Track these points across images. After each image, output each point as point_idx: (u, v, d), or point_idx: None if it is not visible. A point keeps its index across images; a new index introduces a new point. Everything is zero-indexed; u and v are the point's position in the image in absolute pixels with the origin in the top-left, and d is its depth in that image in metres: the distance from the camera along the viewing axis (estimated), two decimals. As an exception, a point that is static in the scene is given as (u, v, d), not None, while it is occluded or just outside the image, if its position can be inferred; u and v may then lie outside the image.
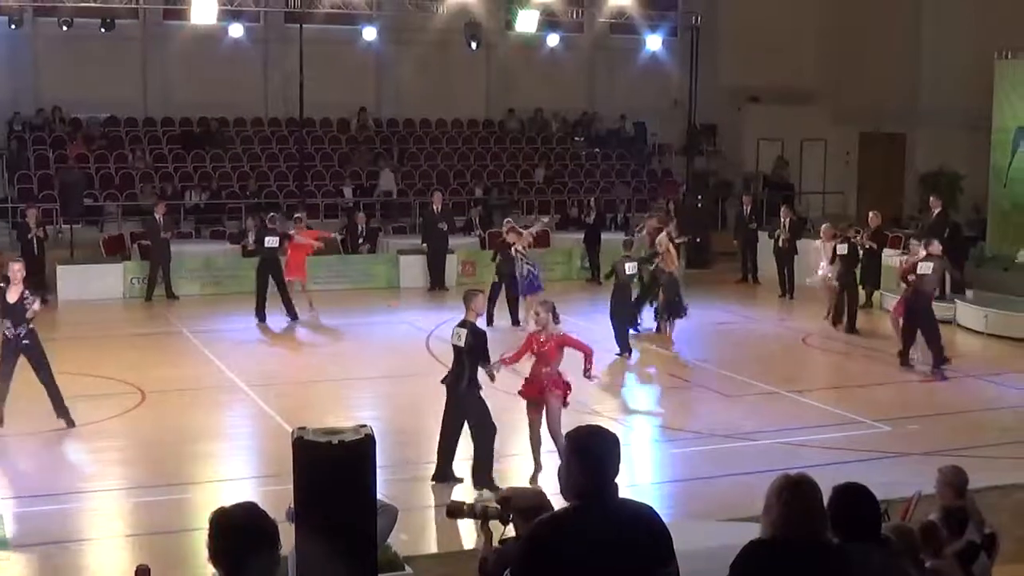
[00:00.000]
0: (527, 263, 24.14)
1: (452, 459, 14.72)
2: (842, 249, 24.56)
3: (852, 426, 17.28)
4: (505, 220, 26.40)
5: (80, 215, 30.34)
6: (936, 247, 20.73)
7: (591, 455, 5.79)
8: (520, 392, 14.99)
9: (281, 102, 34.77)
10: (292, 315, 24.67)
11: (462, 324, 14.50)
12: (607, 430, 5.96)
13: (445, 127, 37.77)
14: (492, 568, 7.80)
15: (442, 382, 14.84)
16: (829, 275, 24.71)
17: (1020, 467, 13.75)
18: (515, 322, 24.07)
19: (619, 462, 5.80)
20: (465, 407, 14.53)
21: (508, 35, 36.67)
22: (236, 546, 5.24)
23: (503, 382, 14.96)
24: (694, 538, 9.22)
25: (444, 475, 14.67)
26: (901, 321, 21.14)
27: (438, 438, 14.76)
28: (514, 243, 24.26)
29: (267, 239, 25.05)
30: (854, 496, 6.69)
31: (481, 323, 15.04)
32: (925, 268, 20.21)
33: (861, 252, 25.59)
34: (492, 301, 23.38)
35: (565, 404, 14.78)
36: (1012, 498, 12.55)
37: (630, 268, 22.37)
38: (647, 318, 23.91)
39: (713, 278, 30.32)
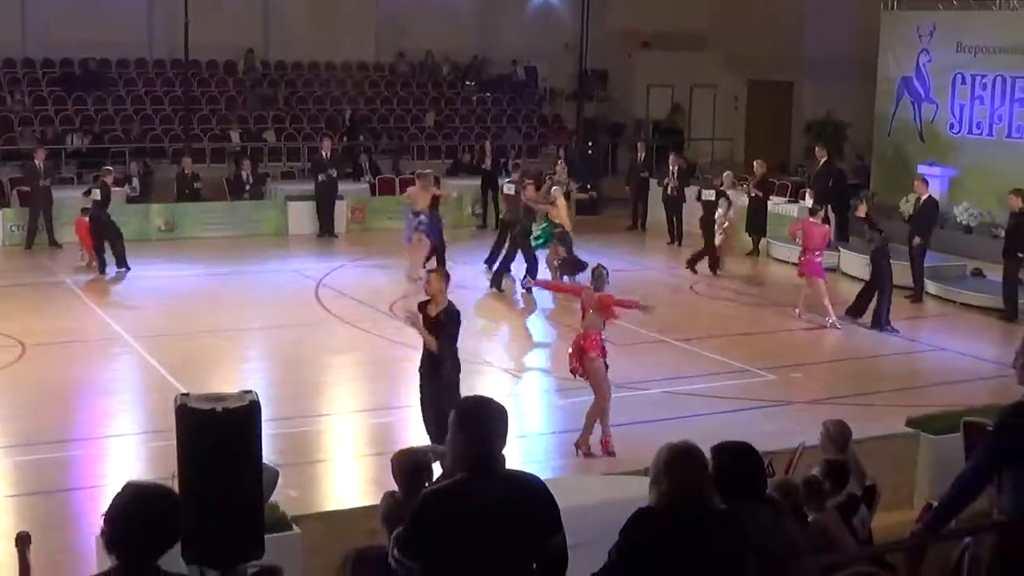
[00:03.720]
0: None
1: None
2: (708, 195, 24.90)
3: (738, 375, 17.50)
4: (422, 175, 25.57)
5: (-44, 160, 29.66)
6: (808, 202, 21.07)
7: (476, 427, 5.79)
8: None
9: (166, 43, 34.15)
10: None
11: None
12: (493, 401, 5.95)
13: (334, 70, 37.38)
14: (384, 520, 7.85)
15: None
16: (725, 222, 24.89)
17: (899, 415, 13.95)
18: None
19: (506, 433, 5.81)
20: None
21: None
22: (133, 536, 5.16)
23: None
24: (580, 494, 9.30)
25: None
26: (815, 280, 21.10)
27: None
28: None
29: (94, 192, 24.72)
30: (737, 456, 6.76)
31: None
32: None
33: (747, 200, 25.88)
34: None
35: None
36: (891, 447, 12.76)
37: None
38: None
39: (602, 225, 30.38)
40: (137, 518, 5.15)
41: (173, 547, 5.33)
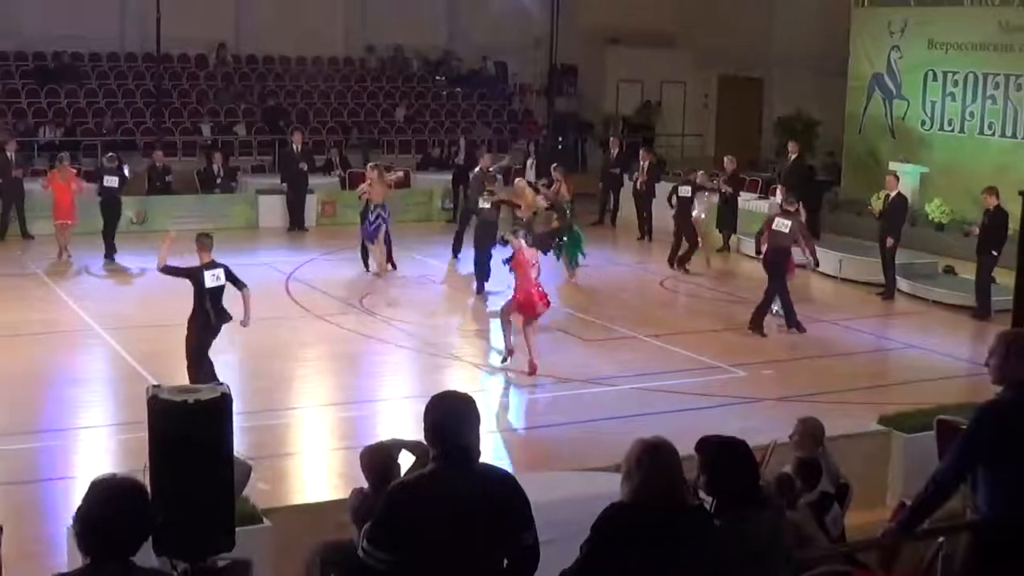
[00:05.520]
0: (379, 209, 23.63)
1: None
2: (684, 191, 24.90)
3: (709, 371, 17.48)
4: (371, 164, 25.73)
5: (-73, 151, 29.40)
6: (792, 205, 20.86)
7: (446, 420, 5.79)
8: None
9: (138, 37, 34.02)
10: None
11: (213, 265, 14.90)
12: (464, 394, 5.96)
13: (304, 64, 37.29)
14: (353, 516, 7.84)
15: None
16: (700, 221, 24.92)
17: (872, 413, 13.96)
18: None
19: (478, 426, 5.80)
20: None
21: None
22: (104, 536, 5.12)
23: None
24: (551, 490, 9.29)
25: None
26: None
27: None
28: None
29: (105, 178, 25.06)
30: (730, 455, 6.55)
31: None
32: (781, 225, 20.29)
33: (718, 196, 25.92)
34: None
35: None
36: (863, 445, 12.77)
37: (483, 202, 22.52)
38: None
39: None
40: (107, 518, 5.11)
41: (145, 542, 5.30)
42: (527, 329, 16.93)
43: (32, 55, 34.05)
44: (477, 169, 25.00)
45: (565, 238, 23.31)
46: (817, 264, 21.95)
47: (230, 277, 14.93)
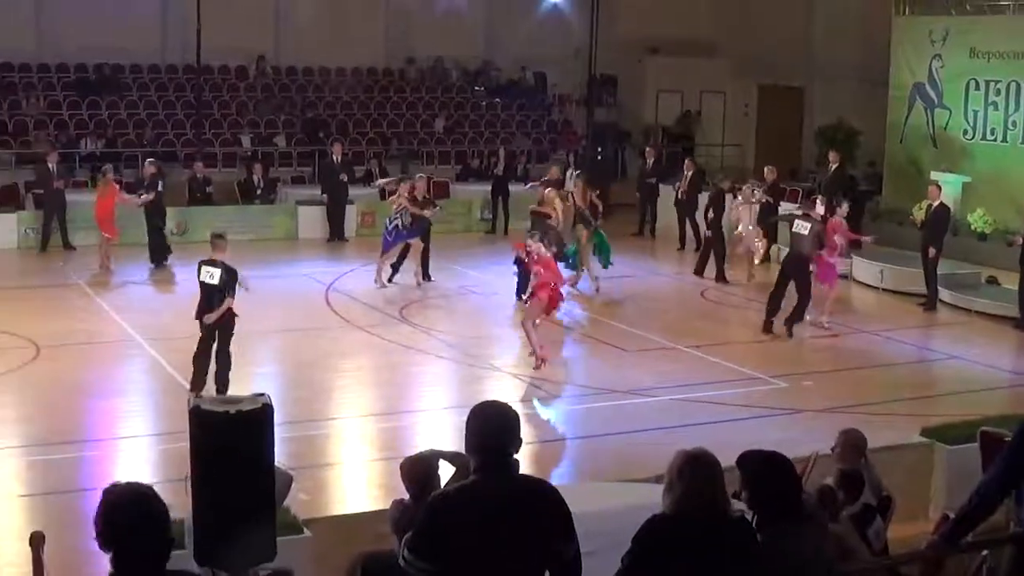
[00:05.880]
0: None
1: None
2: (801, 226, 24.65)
3: (749, 382, 17.42)
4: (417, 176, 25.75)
5: (-29, 163, 29.72)
6: (820, 210, 20.83)
7: (488, 430, 5.77)
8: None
9: (178, 49, 34.25)
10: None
11: (213, 263, 15.96)
12: (505, 404, 5.94)
13: (344, 76, 37.42)
14: (394, 527, 7.84)
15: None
16: (750, 234, 24.82)
17: (914, 424, 13.87)
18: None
19: (518, 437, 5.78)
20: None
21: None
22: (121, 534, 5.05)
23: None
24: (590, 500, 9.27)
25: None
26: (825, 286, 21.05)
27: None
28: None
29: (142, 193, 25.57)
30: (772, 469, 6.51)
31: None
32: (801, 228, 20.22)
33: (758, 206, 25.83)
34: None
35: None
36: (906, 457, 12.69)
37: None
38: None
39: (610, 230, 30.01)
40: (116, 526, 5.03)
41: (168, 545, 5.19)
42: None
43: (74, 67, 34.32)
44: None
45: (572, 247, 23.28)
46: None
47: (223, 281, 15.75)
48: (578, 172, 26.88)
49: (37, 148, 30.10)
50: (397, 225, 23.19)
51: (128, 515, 5.00)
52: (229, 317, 15.84)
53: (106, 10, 33.09)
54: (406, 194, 23.44)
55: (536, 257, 17.90)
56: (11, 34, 32.86)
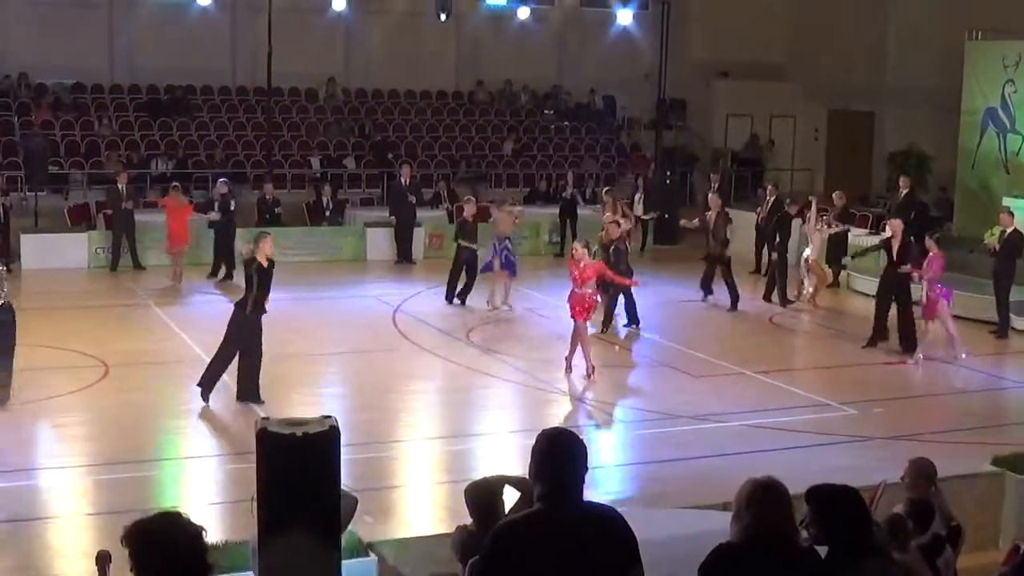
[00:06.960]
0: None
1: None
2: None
3: (818, 408, 17.26)
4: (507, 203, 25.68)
5: (45, 183, 30.03)
6: (887, 233, 20.84)
7: (554, 459, 5.72)
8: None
9: (249, 71, 34.60)
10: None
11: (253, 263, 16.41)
12: (572, 433, 5.91)
13: (414, 98, 37.60)
14: (458, 552, 7.81)
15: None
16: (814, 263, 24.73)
17: (984, 453, 13.66)
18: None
19: (584, 464, 5.74)
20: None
21: (478, 6, 36.64)
22: (152, 561, 5.01)
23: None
24: (659, 527, 9.19)
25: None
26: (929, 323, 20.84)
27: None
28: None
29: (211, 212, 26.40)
30: (841, 503, 6.49)
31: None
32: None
33: (828, 232, 25.65)
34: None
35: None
36: (976, 486, 12.51)
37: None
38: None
39: (679, 254, 30.20)
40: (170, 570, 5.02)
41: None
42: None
43: (146, 88, 34.74)
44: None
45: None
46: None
47: (252, 276, 16.39)
48: (607, 188, 26.88)
49: (108, 169, 30.49)
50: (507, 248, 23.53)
51: (157, 542, 4.98)
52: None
53: (178, 32, 33.56)
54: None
55: (583, 265, 18.39)
56: (85, 56, 33.42)
